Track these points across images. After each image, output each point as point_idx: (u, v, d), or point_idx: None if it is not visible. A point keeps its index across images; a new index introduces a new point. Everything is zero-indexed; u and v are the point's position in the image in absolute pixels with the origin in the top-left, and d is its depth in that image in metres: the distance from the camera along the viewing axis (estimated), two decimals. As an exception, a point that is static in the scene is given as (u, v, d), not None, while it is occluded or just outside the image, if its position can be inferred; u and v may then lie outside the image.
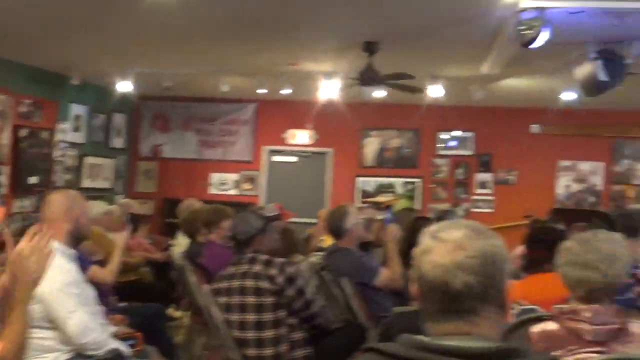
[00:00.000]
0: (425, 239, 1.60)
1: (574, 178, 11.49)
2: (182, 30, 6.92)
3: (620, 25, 5.47)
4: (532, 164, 11.42)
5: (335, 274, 4.74)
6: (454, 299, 1.53)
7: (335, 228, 4.97)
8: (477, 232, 1.57)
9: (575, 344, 2.47)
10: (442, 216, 5.48)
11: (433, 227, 1.62)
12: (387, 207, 8.99)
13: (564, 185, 11.51)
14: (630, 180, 11.39)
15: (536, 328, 2.61)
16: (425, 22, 6.35)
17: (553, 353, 2.47)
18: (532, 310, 3.26)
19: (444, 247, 1.55)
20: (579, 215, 9.12)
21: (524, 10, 5.39)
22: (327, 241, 6.23)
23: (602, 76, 6.18)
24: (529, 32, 5.41)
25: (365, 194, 11.58)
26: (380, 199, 10.88)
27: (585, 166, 11.46)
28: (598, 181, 11.46)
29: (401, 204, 9.98)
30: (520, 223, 9.36)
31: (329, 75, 8.41)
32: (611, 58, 6.17)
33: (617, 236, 2.70)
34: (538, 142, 11.44)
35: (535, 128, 11.46)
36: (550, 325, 2.57)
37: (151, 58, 8.49)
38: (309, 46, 7.54)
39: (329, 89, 8.54)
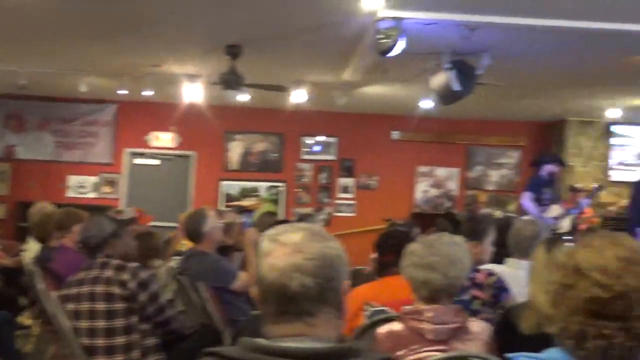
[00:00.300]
0: (265, 243, 1.60)
1: (432, 183, 11.96)
2: (37, 26, 6.63)
3: (471, 38, 5.74)
4: (393, 170, 11.77)
5: (193, 278, 4.68)
6: (292, 301, 1.54)
7: (193, 232, 4.90)
8: (315, 235, 1.59)
9: (418, 343, 2.56)
10: (302, 220, 5.52)
11: (272, 231, 1.62)
12: (250, 211, 8.99)
13: (422, 190, 11.95)
14: (482, 185, 11.98)
15: (382, 329, 2.68)
16: (287, 27, 6.40)
17: (398, 352, 2.55)
18: (382, 311, 3.35)
19: (283, 250, 1.56)
20: (435, 219, 9.50)
21: (381, 19, 5.55)
22: (188, 245, 6.14)
23: (456, 86, 6.46)
24: (386, 41, 5.57)
25: (230, 198, 11.52)
26: (244, 203, 10.88)
27: (441, 172, 11.95)
28: (453, 186, 11.97)
29: (264, 208, 10.00)
30: (380, 227, 9.59)
31: (192, 77, 8.31)
32: (463, 69, 6.47)
33: (459, 239, 2.82)
34: (398, 148, 11.82)
35: (395, 135, 11.82)
36: (396, 326, 2.65)
37: (4, 55, 8.07)
38: (171, 48, 7.42)
39: (192, 92, 8.44)
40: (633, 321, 1.59)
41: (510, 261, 4.17)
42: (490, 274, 3.63)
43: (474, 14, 5.52)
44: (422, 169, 11.93)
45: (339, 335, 1.62)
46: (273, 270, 1.55)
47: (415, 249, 2.73)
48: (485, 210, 11.30)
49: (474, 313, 3.46)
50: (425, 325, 2.56)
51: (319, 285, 1.54)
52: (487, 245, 3.97)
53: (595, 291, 1.61)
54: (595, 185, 9.60)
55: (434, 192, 11.96)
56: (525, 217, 5.63)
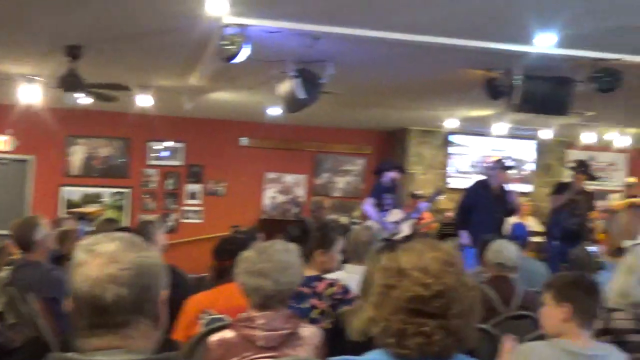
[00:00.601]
0: (79, 253, 1.54)
1: (280, 190, 12.06)
2: None
3: (315, 47, 5.84)
4: (241, 176, 11.76)
5: (23, 289, 4.43)
6: (106, 313, 1.49)
7: (23, 240, 4.65)
8: (131, 245, 1.55)
9: (249, 350, 2.56)
10: (142, 227, 5.38)
11: (86, 241, 1.56)
12: (91, 218, 8.67)
13: (270, 196, 12.02)
14: (329, 192, 12.22)
15: (214, 337, 2.66)
16: (130, 29, 6.23)
17: (228, 360, 2.54)
18: (220, 319, 3.33)
19: (97, 260, 1.50)
20: (283, 225, 9.56)
21: (227, 25, 5.53)
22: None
23: (301, 93, 6.55)
24: (231, 47, 5.55)
25: (71, 204, 11.05)
26: (85, 209, 10.48)
27: (289, 178, 12.08)
28: (301, 193, 12.13)
29: (106, 214, 9.67)
30: (227, 234, 9.55)
31: (30, 78, 7.91)
32: (308, 77, 6.57)
33: (292, 246, 2.85)
34: (247, 154, 11.83)
35: (244, 141, 11.83)
36: (228, 334, 2.63)
37: None
38: (8, 47, 7.03)
39: (30, 93, 8.02)
40: (450, 319, 1.69)
41: (348, 267, 4.28)
42: (331, 284, 3.69)
43: (317, 24, 5.61)
44: (271, 175, 12.01)
45: (156, 346, 1.58)
46: (86, 281, 1.50)
47: (248, 256, 2.74)
48: (330, 217, 11.55)
49: (313, 322, 3.52)
50: (257, 332, 2.56)
51: (134, 295, 1.50)
52: (335, 254, 4.03)
53: (417, 289, 1.71)
54: (434, 190, 10.05)
55: (282, 198, 12.07)
56: (362, 223, 5.80)
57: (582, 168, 8.76)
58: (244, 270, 2.70)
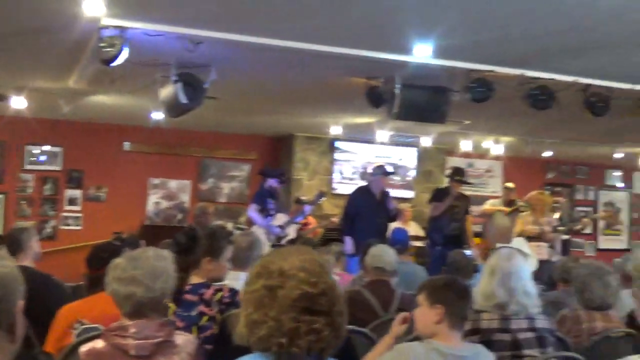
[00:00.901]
0: None
1: (164, 195, 11.85)
2: None
3: (196, 51, 5.79)
4: (123, 181, 11.49)
5: None
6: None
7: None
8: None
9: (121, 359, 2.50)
10: (15, 234, 5.15)
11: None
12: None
13: (154, 202, 11.79)
14: (215, 197, 12.12)
15: (84, 347, 2.58)
16: (3, 27, 5.97)
17: (99, 371, 2.47)
18: (94, 328, 3.24)
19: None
20: (167, 232, 9.40)
21: (105, 27, 5.40)
22: None
23: (183, 98, 6.47)
24: (109, 49, 5.43)
25: (-61, 211, 10.47)
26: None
27: (174, 184, 11.90)
28: (186, 198, 11.97)
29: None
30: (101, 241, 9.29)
31: None
32: (190, 81, 6.50)
33: (166, 253, 2.81)
34: (129, 159, 11.56)
35: (126, 145, 11.55)
36: (99, 344, 2.56)
37: None
38: None
39: None
40: (335, 316, 1.75)
41: (231, 273, 4.25)
42: (219, 289, 3.66)
43: (198, 29, 5.57)
44: (154, 180, 11.78)
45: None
46: None
47: (119, 263, 2.68)
48: (216, 222, 11.44)
49: (202, 329, 3.48)
50: (129, 341, 2.50)
51: (-12, 306, 1.44)
52: (224, 262, 3.98)
53: (305, 287, 1.76)
54: (318, 192, 10.15)
55: (166, 204, 11.86)
56: (248, 229, 5.79)
57: (458, 175, 9.09)
58: (114, 278, 2.64)
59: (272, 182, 8.74)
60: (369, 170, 8.92)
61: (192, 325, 3.49)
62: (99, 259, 3.62)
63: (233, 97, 8.70)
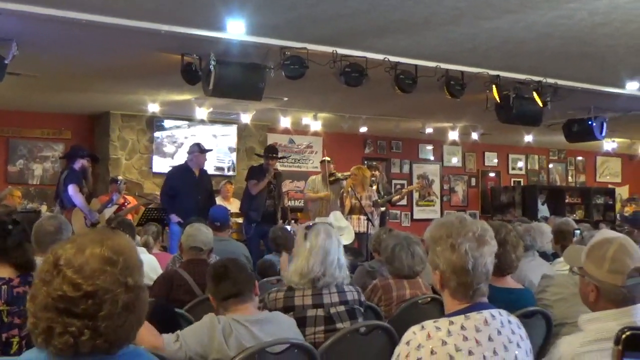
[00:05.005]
0: None
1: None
2: None
3: (-6, 24, 5.43)
4: None
5: None
6: None
7: None
8: None
9: None
10: None
11: None
12: None
13: (-44, 186, 10.97)
14: (26, 179, 11.48)
15: None
16: None
17: None
18: None
19: None
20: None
21: None
22: None
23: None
24: None
25: None
26: None
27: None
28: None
29: None
30: None
31: None
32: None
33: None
34: None
35: None
36: None
37: None
38: None
39: None
40: (100, 320, 1.64)
41: (37, 259, 4.05)
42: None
43: (-7, 0, 5.22)
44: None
45: None
46: None
47: None
48: (29, 205, 10.85)
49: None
50: None
51: None
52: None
53: (66, 289, 1.64)
54: (115, 177, 10.02)
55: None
56: (49, 214, 5.53)
57: (271, 152, 9.22)
58: None
59: (82, 162, 8.36)
60: (188, 148, 8.80)
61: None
62: None
63: (41, 74, 8.25)
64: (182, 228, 6.87)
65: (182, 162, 8.95)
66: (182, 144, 11.85)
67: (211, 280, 3.25)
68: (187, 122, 11.84)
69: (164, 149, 11.87)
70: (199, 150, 8.52)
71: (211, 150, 9.57)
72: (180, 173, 8.60)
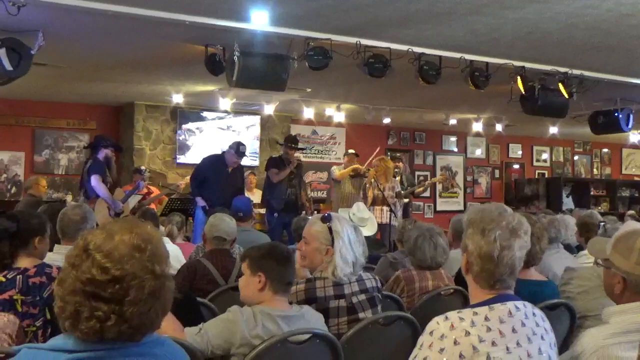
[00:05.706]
0: None
1: (-7, 168, 11.19)
2: None
3: (21, 15, 5.45)
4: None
5: None
6: None
7: None
8: None
9: None
10: None
11: None
12: None
13: (-17, 176, 11.12)
14: (52, 169, 11.58)
15: None
16: None
17: None
18: None
19: None
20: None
21: None
22: None
23: (7, 65, 6.10)
24: None
25: None
26: None
27: (5, 156, 11.24)
28: (20, 171, 11.35)
29: None
30: None
31: None
32: (15, 47, 6.13)
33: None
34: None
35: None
36: None
37: None
38: None
39: None
40: (127, 305, 1.66)
41: (58, 247, 4.09)
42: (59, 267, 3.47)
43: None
44: (-15, 154, 11.09)
45: None
46: None
47: None
48: (57, 195, 10.98)
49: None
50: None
51: None
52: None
53: (94, 272, 1.66)
54: (139, 167, 10.08)
55: (-3, 178, 11.20)
56: (73, 203, 5.58)
57: (292, 142, 9.22)
58: None
59: (106, 152, 8.39)
60: (227, 144, 8.87)
61: (45, 307, 3.27)
62: None
63: (67, 65, 8.32)
64: (206, 216, 6.92)
65: (219, 153, 8.94)
66: (206, 135, 11.90)
67: (275, 261, 3.07)
68: (210, 113, 11.89)
69: (187, 139, 11.92)
70: (235, 150, 8.54)
71: (246, 156, 9.60)
72: (212, 162, 8.65)
